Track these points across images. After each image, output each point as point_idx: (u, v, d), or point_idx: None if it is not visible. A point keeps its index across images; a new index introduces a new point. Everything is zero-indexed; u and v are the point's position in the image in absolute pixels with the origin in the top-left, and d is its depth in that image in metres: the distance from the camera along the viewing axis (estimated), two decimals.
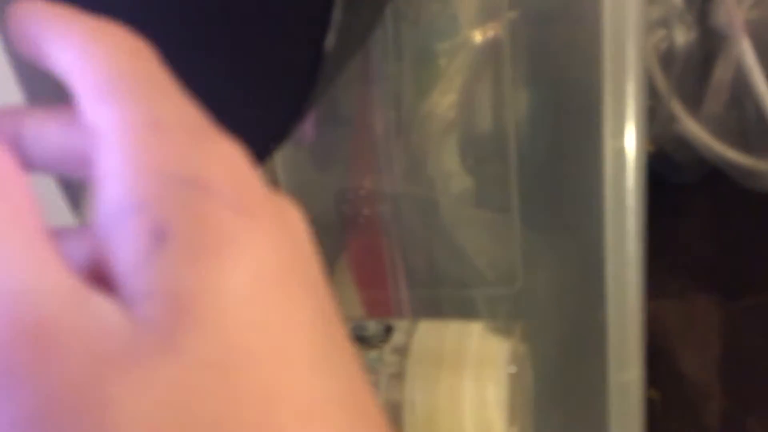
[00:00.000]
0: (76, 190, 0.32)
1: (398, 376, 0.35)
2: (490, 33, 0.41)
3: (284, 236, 0.12)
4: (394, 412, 0.35)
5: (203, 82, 0.29)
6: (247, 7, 0.25)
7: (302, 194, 0.48)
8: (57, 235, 0.12)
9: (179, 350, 0.10)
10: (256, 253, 0.11)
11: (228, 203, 0.11)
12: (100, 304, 0.11)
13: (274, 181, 0.48)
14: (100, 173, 0.12)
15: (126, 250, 0.11)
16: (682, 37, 0.45)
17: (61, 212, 0.32)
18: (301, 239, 0.13)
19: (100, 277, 0.12)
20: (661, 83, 0.46)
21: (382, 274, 0.46)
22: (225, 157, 0.12)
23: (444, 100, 0.44)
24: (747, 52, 0.45)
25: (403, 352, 0.36)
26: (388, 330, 0.37)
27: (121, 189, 0.11)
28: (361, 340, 0.37)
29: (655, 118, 0.47)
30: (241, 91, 0.28)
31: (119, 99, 0.12)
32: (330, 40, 0.25)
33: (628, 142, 0.38)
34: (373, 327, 0.38)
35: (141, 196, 0.11)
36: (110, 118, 0.12)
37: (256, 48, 0.26)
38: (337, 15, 0.24)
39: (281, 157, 0.47)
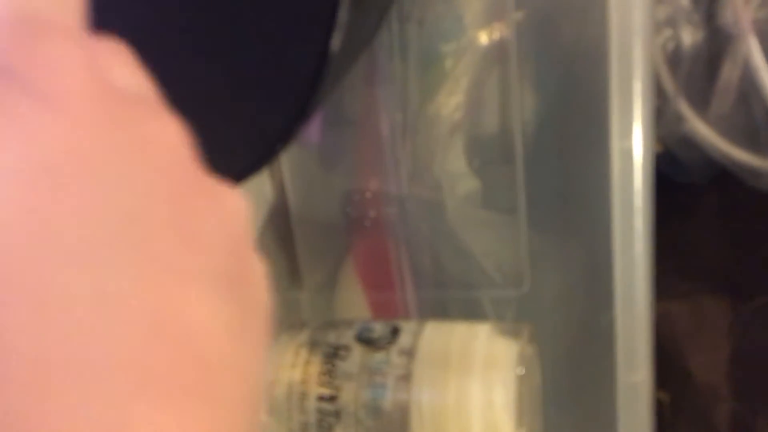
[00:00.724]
0: None
1: (405, 378, 0.35)
2: (496, 34, 0.41)
3: (110, 145, 0.11)
4: (402, 414, 0.35)
5: (208, 83, 0.29)
6: (251, 8, 0.25)
7: (308, 195, 0.48)
8: None
9: None
10: (45, 139, 0.10)
11: (31, 91, 0.10)
12: None
13: (280, 183, 0.48)
14: None
15: None
16: (690, 37, 0.45)
17: None
18: (154, 152, 0.12)
19: None
20: (669, 83, 0.46)
21: (388, 276, 0.46)
22: (59, 55, 0.11)
23: (450, 102, 0.43)
24: (755, 51, 0.45)
25: (410, 353, 0.36)
26: (395, 331, 0.37)
27: None
28: (368, 341, 0.37)
29: (662, 119, 0.47)
30: (246, 92, 0.28)
31: None
32: (335, 41, 0.25)
33: (636, 143, 0.37)
34: (379, 329, 0.38)
35: None
36: None
37: (261, 48, 0.26)
38: (342, 16, 0.24)
39: (287, 158, 0.47)
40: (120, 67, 0.14)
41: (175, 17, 0.27)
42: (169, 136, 0.13)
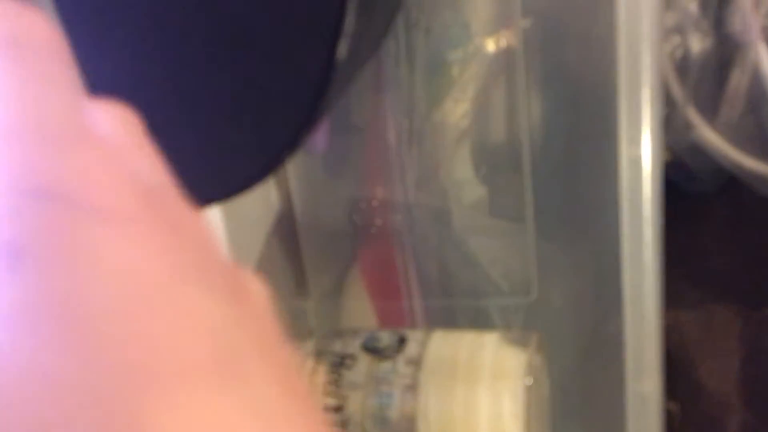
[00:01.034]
0: None
1: (412, 388, 0.35)
2: (503, 41, 0.41)
3: (166, 239, 0.11)
4: (409, 425, 0.34)
5: (215, 91, 0.29)
6: (258, 16, 0.25)
7: (314, 203, 0.48)
8: None
9: (42, 378, 0.09)
10: (120, 262, 0.10)
11: (90, 212, 0.10)
12: None
13: (286, 190, 0.48)
14: None
15: None
16: (698, 44, 0.45)
17: None
18: (194, 240, 0.12)
19: None
20: (677, 91, 0.46)
21: (395, 284, 0.46)
22: (88, 163, 0.11)
23: (457, 109, 0.43)
24: (763, 58, 0.44)
25: (417, 363, 0.36)
26: (402, 341, 0.37)
27: None
28: (374, 350, 0.37)
29: (670, 126, 0.47)
30: (252, 100, 0.28)
31: None
32: (342, 49, 0.24)
33: (644, 151, 0.37)
34: (386, 338, 0.37)
35: None
36: None
37: (267, 56, 0.26)
38: (349, 23, 0.24)
39: (293, 166, 0.47)
40: (139, 156, 0.14)
41: (182, 25, 0.27)
42: (195, 220, 0.13)
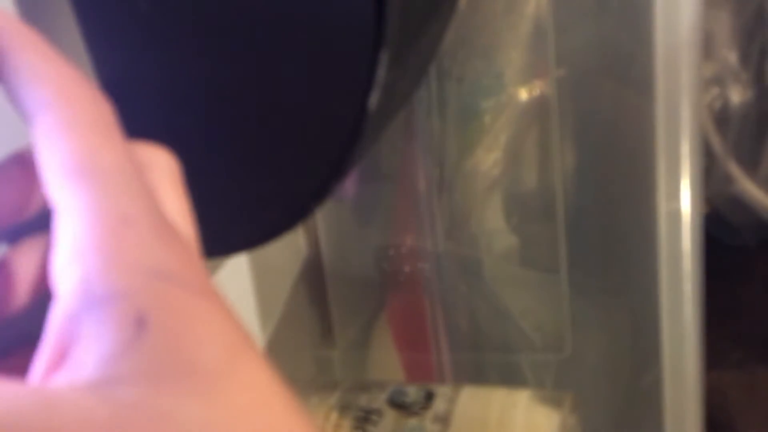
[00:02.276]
0: None
1: None
2: (536, 90, 0.41)
3: (229, 310, 0.14)
4: None
5: (247, 139, 0.28)
6: (290, 66, 0.25)
7: (342, 250, 0.47)
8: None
9: (166, 419, 0.11)
10: (221, 329, 0.13)
11: (190, 289, 0.13)
12: (68, 395, 0.11)
13: (314, 237, 0.48)
14: (63, 252, 0.13)
15: (108, 336, 0.12)
16: (738, 95, 0.44)
17: None
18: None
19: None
20: (717, 143, 0.45)
21: (423, 335, 0.45)
22: (181, 250, 0.14)
23: (488, 157, 0.43)
24: None
25: (445, 420, 0.34)
26: (429, 396, 0.36)
27: (97, 278, 0.12)
28: (401, 406, 0.36)
29: (710, 179, 0.45)
30: (283, 149, 0.28)
31: (91, 185, 0.13)
32: (373, 100, 0.24)
33: (684, 204, 0.36)
34: (413, 393, 0.36)
35: (119, 286, 0.12)
36: (80, 201, 0.13)
37: (299, 106, 0.26)
38: (381, 74, 0.24)
39: (322, 212, 0.46)
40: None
41: (213, 75, 0.27)
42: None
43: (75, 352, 0.12)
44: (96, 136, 0.14)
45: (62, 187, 0.13)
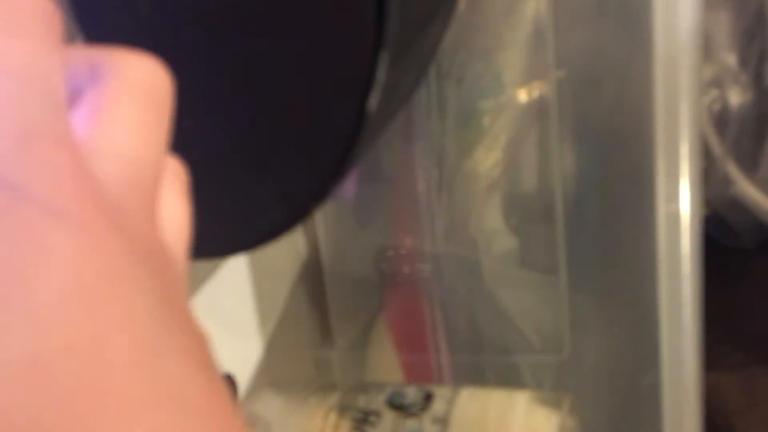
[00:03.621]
0: None
1: None
2: (536, 92, 0.41)
3: (118, 249, 0.12)
4: None
5: (245, 140, 0.28)
6: (290, 67, 0.25)
7: (342, 251, 0.47)
8: None
9: None
10: (76, 260, 0.11)
11: (46, 209, 0.11)
12: None
13: (313, 238, 0.47)
14: None
15: None
16: (737, 97, 0.44)
17: None
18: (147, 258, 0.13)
19: None
20: (716, 145, 0.45)
21: (422, 337, 0.45)
22: (54, 165, 0.12)
23: (488, 159, 0.43)
24: None
25: (443, 422, 0.34)
26: (428, 397, 0.36)
27: None
28: (400, 407, 0.36)
29: (709, 181, 0.45)
30: (281, 150, 0.28)
31: None
32: (373, 101, 0.24)
33: (683, 206, 0.36)
34: (412, 394, 0.36)
35: None
36: None
37: (298, 107, 0.26)
38: (380, 75, 0.24)
39: (321, 213, 0.46)
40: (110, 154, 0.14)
41: (211, 76, 0.27)
42: (163, 253, 0.14)
43: None
44: (7, 36, 0.12)
45: None
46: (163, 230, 0.15)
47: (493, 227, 0.44)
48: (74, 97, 0.14)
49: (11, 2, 0.12)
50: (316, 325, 0.48)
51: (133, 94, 0.15)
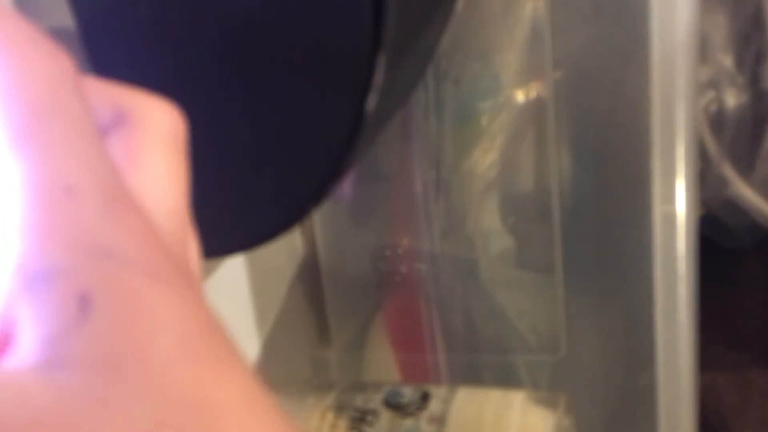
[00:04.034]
0: None
1: None
2: (533, 93, 0.41)
3: (196, 299, 0.13)
4: None
5: (243, 141, 0.29)
6: (287, 69, 0.25)
7: (339, 251, 0.47)
8: None
9: (113, 411, 0.10)
10: (177, 318, 0.12)
11: (141, 271, 0.12)
12: (9, 379, 0.11)
13: (311, 238, 0.48)
14: (3, 230, 0.12)
15: (48, 316, 0.11)
16: (734, 99, 0.44)
17: None
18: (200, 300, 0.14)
19: None
20: (712, 146, 0.45)
21: (419, 336, 0.45)
22: (136, 226, 0.12)
23: (485, 159, 0.43)
24: None
25: (440, 421, 0.35)
26: (425, 397, 0.36)
27: (34, 255, 0.11)
28: (397, 407, 0.36)
29: (705, 182, 0.46)
30: (280, 150, 0.28)
31: (34, 151, 0.12)
32: (371, 102, 0.24)
33: (679, 207, 0.36)
34: (408, 394, 0.36)
35: (58, 263, 0.11)
36: (21, 171, 0.12)
37: (296, 107, 0.26)
38: (378, 76, 0.24)
39: (318, 213, 0.46)
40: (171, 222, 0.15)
41: (209, 76, 0.27)
42: (195, 274, 0.15)
43: (17, 336, 0.11)
44: (45, 95, 0.12)
45: (5, 156, 0.12)
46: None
47: (490, 227, 0.44)
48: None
49: (56, 67, 0.13)
50: (314, 325, 0.48)
51: (163, 144, 0.15)
